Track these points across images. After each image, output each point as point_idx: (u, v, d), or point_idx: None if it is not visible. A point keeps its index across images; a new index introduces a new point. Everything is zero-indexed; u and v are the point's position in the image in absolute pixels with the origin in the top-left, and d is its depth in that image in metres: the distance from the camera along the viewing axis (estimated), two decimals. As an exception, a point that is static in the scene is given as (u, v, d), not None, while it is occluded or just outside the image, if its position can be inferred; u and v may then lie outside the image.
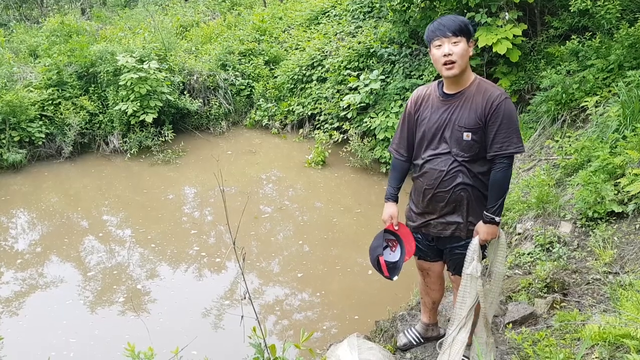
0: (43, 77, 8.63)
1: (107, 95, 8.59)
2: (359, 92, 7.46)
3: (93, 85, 8.80)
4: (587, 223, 4.07)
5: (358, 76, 7.66)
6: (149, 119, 8.17)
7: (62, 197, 7.21)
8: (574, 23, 6.25)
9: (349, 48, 8.36)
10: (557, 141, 5.35)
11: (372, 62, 7.93)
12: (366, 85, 7.41)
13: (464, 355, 2.66)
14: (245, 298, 2.08)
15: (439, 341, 2.86)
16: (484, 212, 2.54)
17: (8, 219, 6.64)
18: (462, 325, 2.54)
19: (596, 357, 2.44)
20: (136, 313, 4.53)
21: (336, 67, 8.31)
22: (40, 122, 8.16)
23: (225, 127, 9.29)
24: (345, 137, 7.70)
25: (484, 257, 2.67)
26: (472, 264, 2.56)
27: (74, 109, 8.34)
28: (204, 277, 5.18)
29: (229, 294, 4.82)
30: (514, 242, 4.46)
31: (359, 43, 8.32)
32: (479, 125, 2.46)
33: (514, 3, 6.21)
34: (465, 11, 6.51)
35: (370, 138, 7.35)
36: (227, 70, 9.73)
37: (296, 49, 9.98)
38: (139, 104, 8.12)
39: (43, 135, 8.08)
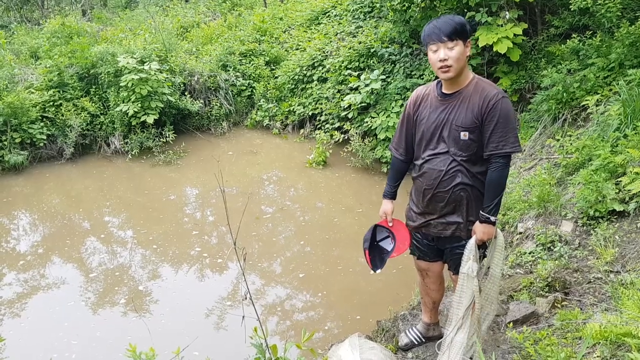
0: (44, 79, 8.64)
1: (108, 97, 8.60)
2: (359, 92, 7.46)
3: (94, 87, 8.81)
4: (588, 222, 4.06)
5: (359, 76, 7.66)
6: (150, 120, 8.17)
7: (63, 198, 7.22)
8: (575, 22, 6.25)
9: (350, 48, 8.36)
10: (558, 140, 5.34)
11: (373, 62, 7.93)
12: (367, 85, 7.41)
13: (463, 356, 2.66)
14: (246, 298, 2.08)
15: (438, 342, 2.86)
16: (480, 211, 2.55)
17: (10, 220, 6.65)
18: (459, 325, 2.55)
19: (597, 356, 2.44)
20: (138, 314, 4.54)
21: (337, 67, 8.31)
22: (42, 124, 8.16)
23: (226, 127, 9.29)
24: (346, 137, 7.70)
25: (484, 256, 2.68)
26: (467, 263, 2.57)
27: (75, 110, 8.35)
28: (205, 278, 5.19)
29: (231, 295, 4.82)
30: (515, 242, 4.46)
31: (360, 43, 8.32)
32: (475, 125, 2.47)
33: (515, 2, 6.21)
34: (465, 10, 6.51)
35: (371, 138, 7.35)
36: (228, 70, 9.73)
37: (297, 49, 9.99)
38: (140, 105, 8.13)
39: (44, 137, 8.09)
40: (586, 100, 5.23)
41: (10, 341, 4.10)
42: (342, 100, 7.82)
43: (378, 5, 8.86)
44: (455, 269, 2.78)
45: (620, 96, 4.79)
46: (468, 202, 2.58)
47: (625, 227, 3.78)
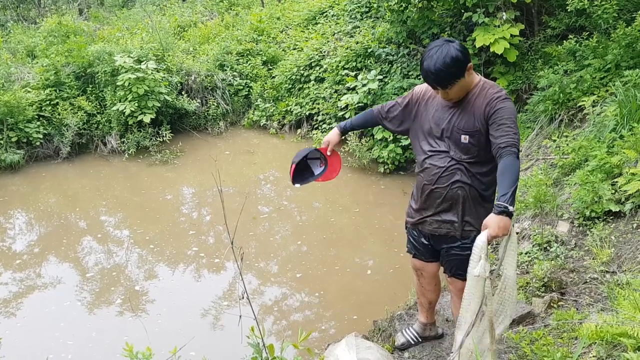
0: (41, 78, 8.62)
1: (104, 96, 8.57)
2: (356, 92, 7.46)
3: (91, 86, 8.78)
4: (584, 222, 4.08)
5: (356, 76, 7.66)
6: (147, 119, 8.15)
7: (60, 197, 7.20)
8: (571, 23, 6.26)
9: (347, 48, 8.36)
10: (554, 141, 5.36)
11: (370, 62, 7.93)
12: (364, 85, 7.41)
13: None
14: (243, 298, 2.08)
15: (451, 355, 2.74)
16: (495, 202, 2.30)
17: (6, 219, 6.63)
18: (469, 331, 2.37)
19: (593, 356, 2.45)
20: (134, 314, 4.53)
21: (334, 67, 8.31)
22: (38, 123, 8.14)
23: (223, 127, 9.28)
24: (343, 137, 7.69)
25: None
26: (479, 263, 2.22)
27: (71, 110, 8.32)
28: (202, 278, 5.18)
29: (228, 295, 4.82)
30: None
31: (357, 43, 8.32)
32: (477, 128, 2.47)
33: (512, 3, 6.23)
34: (462, 11, 6.52)
35: (368, 138, 7.35)
36: (225, 70, 9.73)
37: (294, 49, 9.98)
38: (136, 104, 8.11)
39: (41, 136, 8.07)
40: (582, 101, 5.25)
41: (7, 341, 4.07)
42: (339, 100, 7.81)
43: (375, 5, 8.86)
44: (450, 270, 2.77)
45: (616, 97, 4.81)
46: (465, 201, 2.58)
47: (621, 228, 3.80)
